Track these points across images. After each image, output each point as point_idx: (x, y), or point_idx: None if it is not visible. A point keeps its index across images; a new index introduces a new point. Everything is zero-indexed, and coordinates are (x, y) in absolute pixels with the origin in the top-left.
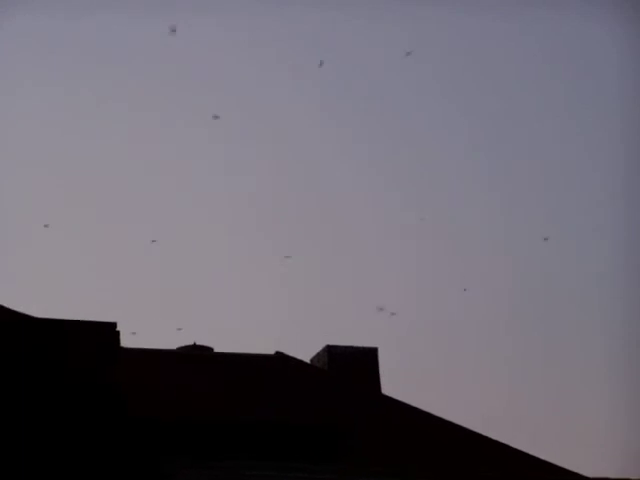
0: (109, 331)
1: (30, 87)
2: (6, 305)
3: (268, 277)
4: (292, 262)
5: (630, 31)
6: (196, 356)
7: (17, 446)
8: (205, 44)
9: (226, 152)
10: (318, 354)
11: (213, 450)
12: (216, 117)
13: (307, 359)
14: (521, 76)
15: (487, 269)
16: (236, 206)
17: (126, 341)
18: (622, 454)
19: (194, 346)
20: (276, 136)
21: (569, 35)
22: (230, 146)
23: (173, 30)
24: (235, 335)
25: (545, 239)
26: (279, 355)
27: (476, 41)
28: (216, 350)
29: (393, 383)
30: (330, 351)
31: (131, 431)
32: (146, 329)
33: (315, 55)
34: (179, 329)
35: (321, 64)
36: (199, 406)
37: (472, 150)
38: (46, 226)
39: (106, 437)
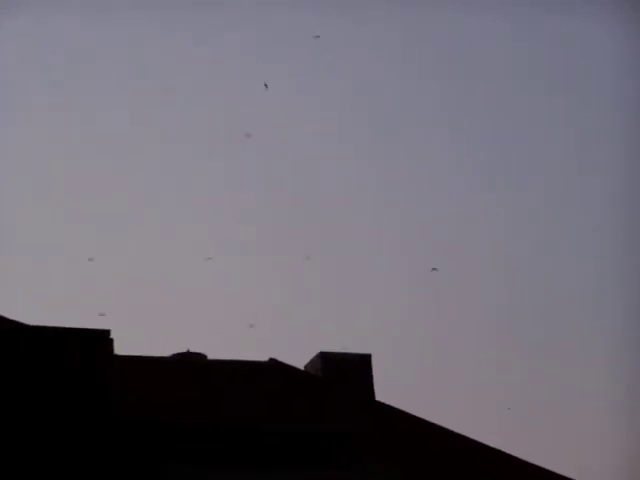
0: (103, 338)
1: (30, 87)
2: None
3: (262, 284)
4: (286, 268)
5: (630, 31)
6: (190, 363)
7: (13, 451)
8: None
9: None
10: (312, 361)
11: (207, 456)
12: (248, 135)
13: (301, 366)
14: (521, 76)
15: (484, 272)
16: (230, 211)
17: (119, 349)
18: (619, 456)
19: (188, 353)
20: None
21: (569, 35)
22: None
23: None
24: (229, 342)
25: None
26: (273, 362)
27: (475, 41)
28: (210, 357)
29: (387, 389)
30: (324, 358)
31: (124, 436)
32: (140, 337)
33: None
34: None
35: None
36: (192, 412)
37: (472, 150)
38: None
39: (99, 442)
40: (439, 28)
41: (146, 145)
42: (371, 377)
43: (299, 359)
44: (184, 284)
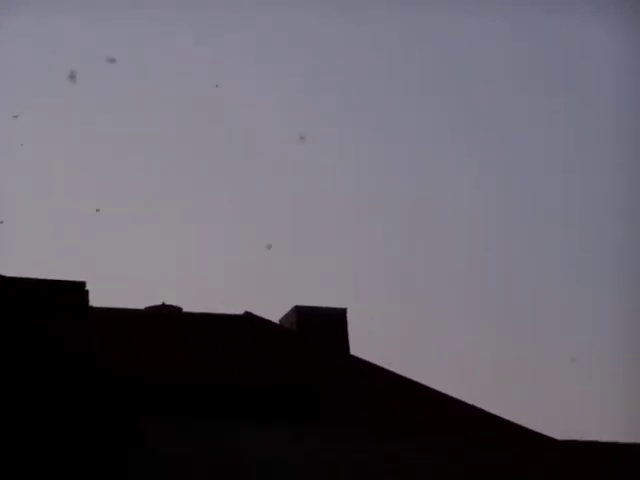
0: (78, 290)
1: (30, 86)
2: None
3: (239, 237)
4: (262, 222)
5: (630, 31)
6: (165, 316)
7: None
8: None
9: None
10: (287, 315)
11: (182, 411)
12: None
13: (276, 320)
14: (520, 76)
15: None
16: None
17: (94, 300)
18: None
19: (163, 306)
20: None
21: (569, 35)
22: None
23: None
24: (204, 295)
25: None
26: (248, 315)
27: (475, 41)
28: (185, 310)
29: (362, 344)
30: (299, 312)
31: (99, 391)
32: (114, 288)
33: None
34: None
35: None
36: (167, 366)
37: (471, 149)
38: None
39: (75, 398)
40: (439, 28)
41: (146, 145)
42: (346, 332)
43: (274, 313)
44: (158, 235)
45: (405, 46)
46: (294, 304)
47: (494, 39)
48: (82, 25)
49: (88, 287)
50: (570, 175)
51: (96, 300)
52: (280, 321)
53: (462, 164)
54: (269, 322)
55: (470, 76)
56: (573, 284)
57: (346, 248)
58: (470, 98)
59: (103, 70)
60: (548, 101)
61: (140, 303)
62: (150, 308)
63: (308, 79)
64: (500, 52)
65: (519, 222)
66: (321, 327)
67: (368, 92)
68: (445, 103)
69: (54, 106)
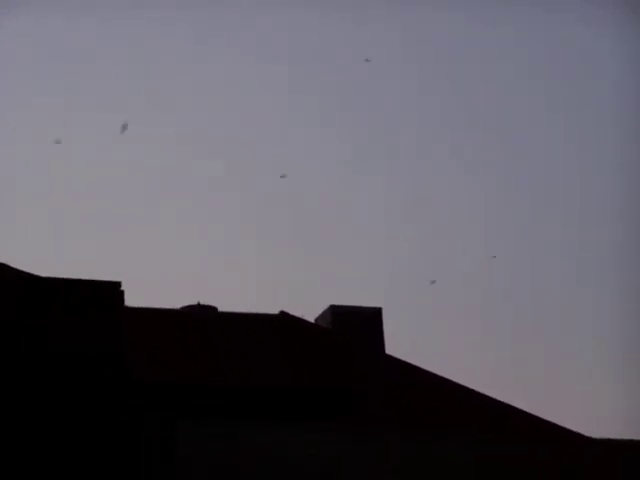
0: (113, 290)
1: (30, 86)
2: (8, 263)
3: (273, 237)
4: (296, 222)
5: (630, 31)
6: (200, 316)
7: (17, 407)
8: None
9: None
10: (322, 314)
11: (217, 412)
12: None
13: (311, 319)
14: (520, 76)
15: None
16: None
17: (130, 301)
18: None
19: (198, 306)
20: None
21: (569, 35)
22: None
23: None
24: (239, 295)
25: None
26: (283, 315)
27: (474, 41)
28: (220, 310)
29: (397, 343)
30: (334, 311)
31: (134, 392)
32: (151, 288)
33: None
34: None
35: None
36: (201, 367)
37: (471, 149)
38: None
39: (109, 399)
40: (439, 28)
41: (146, 145)
42: (382, 331)
43: (310, 312)
44: (194, 236)
45: (405, 46)
46: (329, 303)
47: (494, 39)
48: (82, 25)
49: (124, 287)
50: (570, 175)
51: (132, 300)
52: (316, 320)
53: (462, 164)
54: (304, 321)
55: (470, 76)
56: (573, 284)
57: (378, 248)
58: (470, 98)
59: (103, 70)
60: (548, 101)
61: (176, 303)
62: (185, 308)
63: (308, 79)
64: (500, 52)
65: (519, 222)
66: (356, 326)
67: (368, 92)
68: (445, 103)
69: (54, 106)
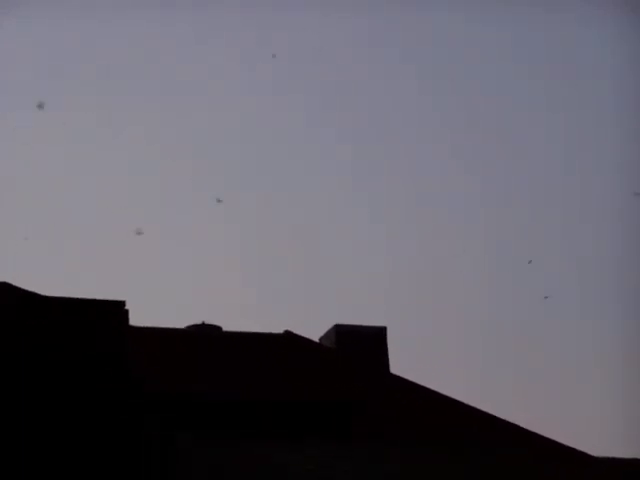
0: (117, 310)
1: (30, 86)
2: (13, 283)
3: (277, 256)
4: (300, 242)
5: (630, 31)
6: (205, 335)
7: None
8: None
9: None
10: (327, 333)
11: (221, 429)
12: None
13: (316, 338)
14: (520, 76)
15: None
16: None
17: (135, 320)
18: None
19: (203, 325)
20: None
21: (569, 35)
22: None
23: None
24: (244, 314)
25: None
26: (288, 334)
27: (474, 41)
28: (225, 329)
29: (401, 363)
30: (338, 330)
31: (140, 408)
32: (154, 308)
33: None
34: None
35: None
36: (207, 385)
37: (471, 149)
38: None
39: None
40: (439, 28)
41: (146, 145)
42: (386, 350)
43: (314, 332)
44: (199, 255)
45: (405, 46)
46: (334, 323)
47: (494, 39)
48: (82, 25)
49: (128, 306)
50: (570, 175)
51: (137, 319)
52: (320, 340)
53: (462, 164)
54: (309, 341)
55: (470, 76)
56: (573, 284)
57: (379, 265)
58: (470, 98)
59: (103, 70)
60: (548, 101)
61: (180, 322)
62: (190, 327)
63: (308, 79)
64: (500, 52)
65: (519, 222)
66: (361, 345)
67: (368, 92)
68: (445, 103)
69: (54, 106)
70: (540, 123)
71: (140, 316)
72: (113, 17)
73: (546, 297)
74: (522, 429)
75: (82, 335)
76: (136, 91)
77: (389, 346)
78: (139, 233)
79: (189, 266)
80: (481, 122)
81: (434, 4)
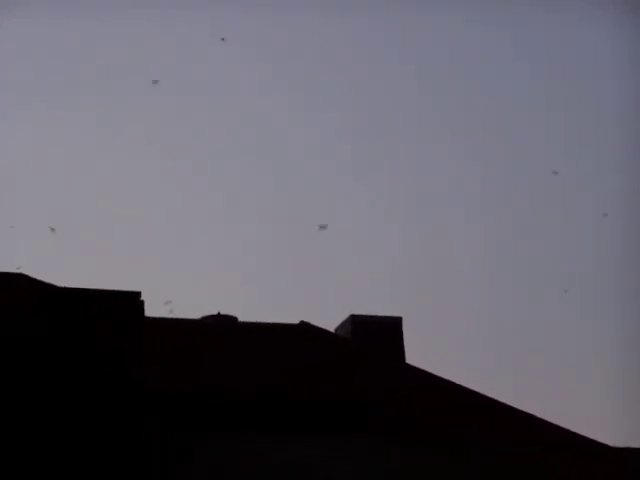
0: (133, 300)
1: (30, 86)
2: (28, 274)
3: (292, 247)
4: (315, 232)
5: (630, 31)
6: (220, 326)
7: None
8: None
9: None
10: (342, 324)
11: (237, 422)
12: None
13: (331, 329)
14: (520, 76)
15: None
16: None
17: (150, 311)
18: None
19: (218, 316)
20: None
21: (569, 35)
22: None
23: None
24: (260, 305)
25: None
26: (304, 325)
27: (474, 41)
28: (240, 320)
29: (417, 353)
30: (354, 321)
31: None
32: (171, 298)
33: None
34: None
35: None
36: (223, 377)
37: (471, 149)
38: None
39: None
40: (439, 28)
41: (146, 145)
42: (402, 340)
43: (330, 322)
44: (213, 246)
45: (405, 46)
46: (350, 313)
47: (494, 39)
48: (82, 25)
49: (144, 297)
50: (570, 175)
51: (153, 310)
52: (336, 330)
53: (462, 164)
54: (325, 331)
55: (470, 76)
56: (573, 284)
57: (401, 255)
58: (470, 98)
59: (103, 70)
60: (548, 101)
61: (196, 313)
62: (206, 318)
63: (307, 79)
64: (500, 52)
65: (519, 222)
66: (376, 336)
67: (368, 92)
68: (445, 103)
69: (54, 106)
70: (540, 123)
71: (156, 307)
72: (113, 17)
73: (566, 291)
74: (545, 421)
75: (96, 326)
76: (136, 91)
77: (405, 336)
78: (322, 227)
79: (206, 257)
80: (481, 122)
81: (434, 4)
